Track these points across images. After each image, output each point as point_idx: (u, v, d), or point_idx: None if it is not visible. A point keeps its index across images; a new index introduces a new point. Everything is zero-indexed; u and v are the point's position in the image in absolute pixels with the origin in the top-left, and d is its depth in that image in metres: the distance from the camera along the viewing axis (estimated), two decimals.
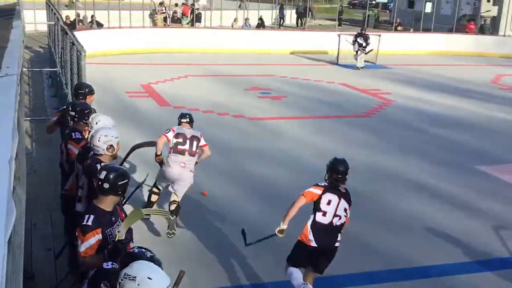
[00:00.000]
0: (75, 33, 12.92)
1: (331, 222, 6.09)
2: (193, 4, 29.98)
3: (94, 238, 4.52)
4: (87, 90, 7.81)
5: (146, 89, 17.62)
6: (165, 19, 29.41)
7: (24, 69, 12.02)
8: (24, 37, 12.41)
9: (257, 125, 14.11)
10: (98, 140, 5.49)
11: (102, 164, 5.26)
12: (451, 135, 14.03)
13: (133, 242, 4.89)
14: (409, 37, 30.20)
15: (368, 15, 35.21)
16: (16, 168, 3.86)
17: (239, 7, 35.50)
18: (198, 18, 29.24)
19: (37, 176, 9.49)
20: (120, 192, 4.74)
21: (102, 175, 4.65)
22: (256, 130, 13.58)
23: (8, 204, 3.00)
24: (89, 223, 4.54)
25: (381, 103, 17.43)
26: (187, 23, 28.95)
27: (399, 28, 31.91)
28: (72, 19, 23.95)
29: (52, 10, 18.40)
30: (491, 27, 32.30)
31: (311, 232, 6.11)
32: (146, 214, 4.93)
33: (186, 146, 8.01)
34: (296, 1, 42.21)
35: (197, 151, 8.13)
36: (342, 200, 6.13)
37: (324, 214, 6.09)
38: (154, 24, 29.09)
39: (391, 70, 24.20)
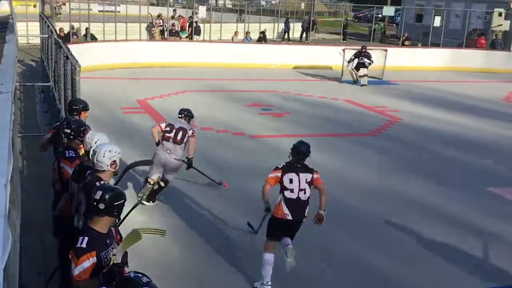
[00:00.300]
0: (69, 46, 12.97)
1: (298, 197, 7.17)
2: (191, 17, 30.14)
3: (88, 261, 4.51)
4: (81, 106, 7.84)
5: (142, 105, 17.66)
6: (162, 32, 29.55)
7: (16, 84, 12.05)
8: (17, 52, 12.46)
9: (258, 142, 14.13)
10: (103, 156, 5.53)
11: (102, 182, 5.29)
12: (460, 155, 14.05)
13: (128, 266, 4.89)
14: (417, 52, 30.31)
15: (374, 29, 35.39)
16: (11, 191, 3.86)
17: (236, 20, 35.71)
18: (197, 31, 29.38)
19: (27, 195, 9.47)
20: (115, 213, 4.75)
21: (98, 195, 4.66)
22: (257, 148, 13.60)
23: (4, 231, 3.00)
24: (83, 245, 4.54)
25: (388, 121, 17.47)
26: (186, 37, 29.07)
27: (406, 42, 32.00)
28: (66, 31, 24.05)
29: (45, 22, 18.48)
30: (503, 42, 32.44)
31: (286, 208, 7.17)
32: (142, 232, 4.93)
33: (171, 134, 9.36)
34: (298, 14, 42.46)
35: (184, 141, 9.37)
36: (301, 175, 7.20)
37: (292, 191, 7.17)
38: (151, 37, 29.23)
39: (398, 86, 24.26)
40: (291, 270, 7.19)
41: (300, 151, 7.29)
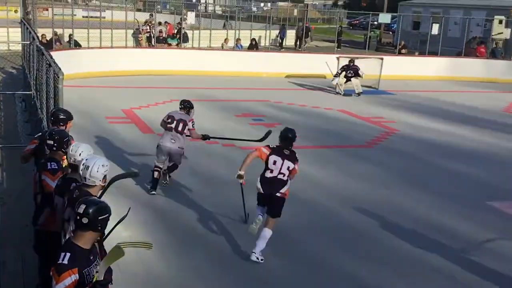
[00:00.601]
0: (52, 53, 12.96)
1: (276, 177, 8.32)
2: (179, 23, 30.16)
3: (70, 279, 4.48)
4: (67, 116, 7.82)
5: (128, 115, 17.64)
6: (149, 38, 29.56)
7: None
8: None
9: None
10: (97, 171, 5.46)
11: (91, 197, 5.24)
12: (459, 168, 14.09)
13: (112, 283, 4.87)
14: (414, 61, 30.45)
15: (370, 37, 35.51)
16: None
17: (223, 26, 35.69)
18: (184, 38, 29.38)
19: (7, 208, 9.44)
20: (100, 228, 4.71)
21: (81, 209, 4.61)
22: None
23: None
24: (65, 261, 4.51)
25: (384, 132, 17.52)
26: (177, 44, 29.02)
27: (403, 51, 32.17)
28: (48, 38, 24.03)
29: (27, 28, 18.46)
30: (503, 50, 32.57)
31: (260, 183, 8.40)
32: (127, 246, 4.90)
33: (173, 125, 10.78)
34: (291, 21, 42.58)
35: (184, 131, 10.78)
36: (286, 161, 8.31)
37: (271, 171, 8.34)
38: (138, 44, 29.23)
39: (395, 96, 24.36)
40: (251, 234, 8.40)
41: (287, 137, 8.46)
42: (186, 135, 11.06)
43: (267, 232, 8.27)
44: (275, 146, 8.48)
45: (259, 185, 8.41)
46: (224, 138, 12.53)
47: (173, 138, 10.78)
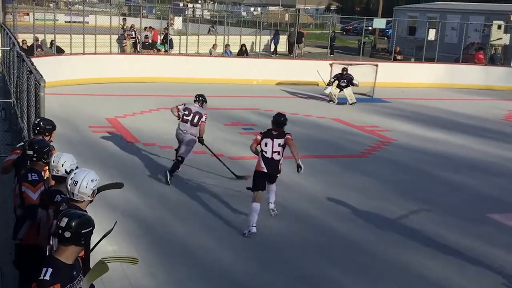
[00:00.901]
0: (33, 59, 12.92)
1: (272, 157, 10.02)
2: (166, 28, 30.19)
3: None
4: (53, 126, 7.79)
5: (113, 124, 17.61)
6: (135, 44, 29.55)
7: None
8: None
9: (239, 164, 14.09)
10: (86, 187, 5.43)
11: (74, 210, 5.20)
12: (457, 178, 14.13)
13: None
14: (409, 68, 30.54)
15: (364, 43, 35.56)
16: None
17: (208, 32, 35.66)
18: (170, 44, 29.39)
19: None
20: (83, 243, 4.68)
21: (63, 222, 4.58)
22: (237, 171, 13.56)
23: None
24: (47, 277, 4.48)
25: (379, 141, 17.55)
26: (166, 50, 28.99)
27: (398, 57, 32.22)
28: (29, 43, 23.98)
29: (7, 34, 18.42)
30: (502, 57, 32.69)
31: (263, 163, 10.02)
32: (111, 261, 4.87)
33: (189, 118, 12.45)
34: (282, 26, 42.68)
35: (199, 123, 12.39)
36: (275, 140, 10.03)
37: (266, 152, 10.02)
38: (123, 50, 29.21)
39: (390, 104, 24.42)
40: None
41: (279, 121, 10.17)
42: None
43: (273, 186, 10.47)
44: (266, 130, 10.24)
45: (262, 164, 10.00)
46: (213, 153, 13.20)
47: (186, 129, 12.37)
